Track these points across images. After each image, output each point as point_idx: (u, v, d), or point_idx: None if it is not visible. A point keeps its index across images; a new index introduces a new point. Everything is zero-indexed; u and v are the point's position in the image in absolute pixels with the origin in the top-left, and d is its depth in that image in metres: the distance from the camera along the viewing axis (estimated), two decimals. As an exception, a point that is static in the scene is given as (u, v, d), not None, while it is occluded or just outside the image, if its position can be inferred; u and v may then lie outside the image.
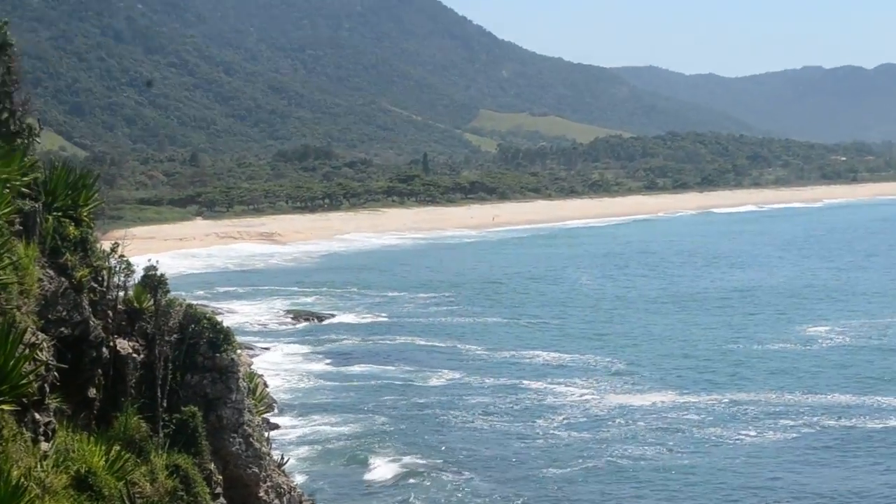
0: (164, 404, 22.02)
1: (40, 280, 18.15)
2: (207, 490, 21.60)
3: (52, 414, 17.18)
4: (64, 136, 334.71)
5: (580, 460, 51.86)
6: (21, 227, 18.48)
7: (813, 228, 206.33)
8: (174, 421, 22.17)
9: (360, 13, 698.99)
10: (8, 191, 17.49)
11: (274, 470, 26.21)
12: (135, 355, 21.64)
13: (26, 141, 20.00)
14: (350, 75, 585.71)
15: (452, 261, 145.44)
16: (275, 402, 56.19)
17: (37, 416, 16.31)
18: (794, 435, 56.29)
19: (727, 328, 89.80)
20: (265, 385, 48.90)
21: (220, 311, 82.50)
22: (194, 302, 26.78)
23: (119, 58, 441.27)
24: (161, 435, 21.36)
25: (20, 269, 17.24)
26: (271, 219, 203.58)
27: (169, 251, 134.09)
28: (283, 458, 28.78)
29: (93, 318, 19.80)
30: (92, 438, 18.40)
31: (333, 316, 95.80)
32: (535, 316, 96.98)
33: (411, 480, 49.20)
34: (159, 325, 22.45)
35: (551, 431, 57.26)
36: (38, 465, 15.52)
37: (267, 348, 79.56)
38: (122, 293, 21.95)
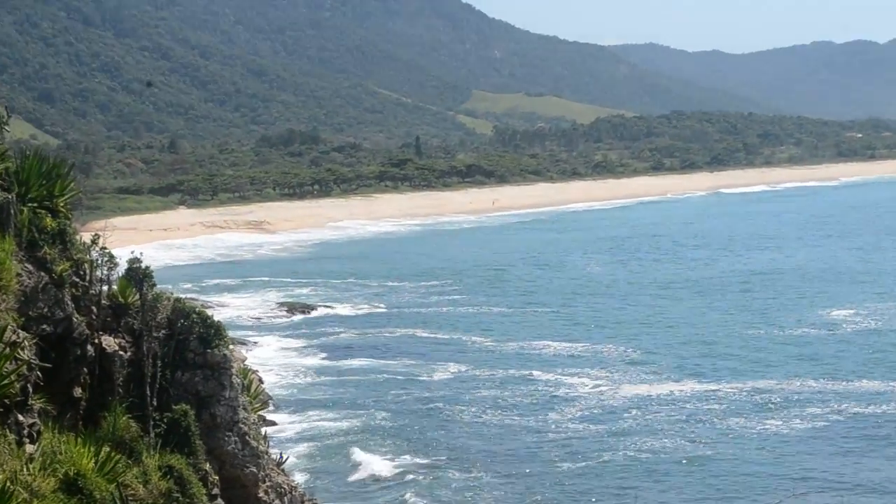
0: (154, 403, 21.79)
1: (18, 275, 17.91)
2: (204, 491, 21.43)
3: (36, 415, 16.91)
4: (34, 124, 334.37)
5: (596, 454, 51.58)
6: (-7, 221, 18.13)
7: (831, 208, 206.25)
8: (165, 420, 21.99)
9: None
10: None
11: (273, 469, 26.03)
12: (121, 352, 21.36)
13: (-6, 130, 19.67)
14: (333, 57, 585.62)
15: (452, 248, 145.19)
16: (270, 398, 55.87)
17: (20, 417, 16.04)
18: (822, 423, 56.07)
19: (746, 313, 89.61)
20: (260, 381, 48.49)
21: (209, 304, 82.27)
22: (182, 295, 26.36)
23: (88, 42, 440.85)
24: (152, 435, 21.17)
25: None
26: (259, 206, 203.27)
27: (152, 242, 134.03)
28: (282, 457, 28.56)
29: (76, 315, 19.54)
30: (80, 440, 18.18)
31: (330, 308, 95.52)
32: (543, 304, 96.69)
33: (416, 478, 48.95)
34: (146, 320, 22.17)
35: (564, 425, 56.99)
36: (24, 469, 15.25)
37: (260, 343, 79.21)
38: (105, 287, 21.69)
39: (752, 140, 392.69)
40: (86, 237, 21.23)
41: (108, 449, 18.42)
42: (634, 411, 59.21)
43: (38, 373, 17.07)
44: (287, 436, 54.19)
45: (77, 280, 20.19)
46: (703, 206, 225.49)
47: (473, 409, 60.36)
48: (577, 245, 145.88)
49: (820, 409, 58.70)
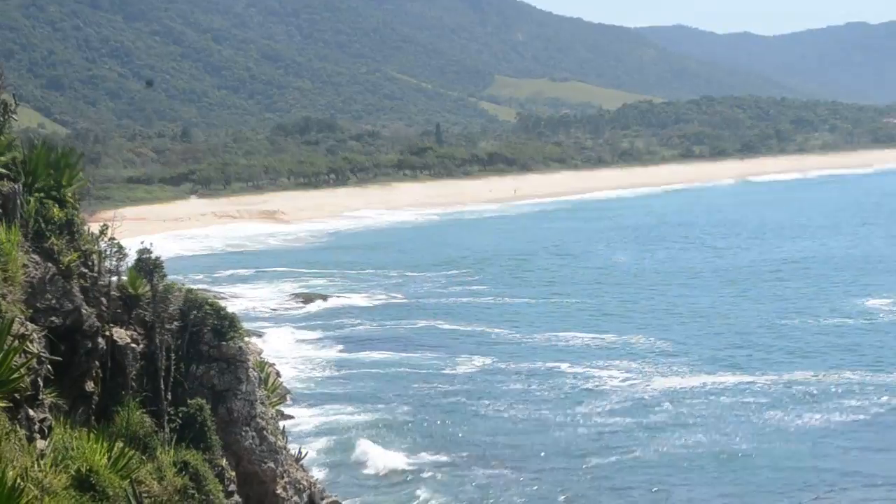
0: (169, 397, 21.82)
1: (25, 266, 17.96)
2: (220, 487, 21.49)
3: (47, 410, 16.92)
4: (42, 113, 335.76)
5: (626, 449, 51.32)
6: (1, 210, 18.15)
7: (865, 195, 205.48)
8: (180, 415, 22.07)
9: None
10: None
11: (291, 465, 26.08)
12: (133, 345, 21.36)
13: (1, 118, 19.76)
14: (350, 41, 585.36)
15: (473, 237, 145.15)
16: (289, 392, 55.85)
17: (31, 412, 16.03)
18: (862, 416, 55.72)
19: (780, 302, 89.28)
20: (278, 374, 48.45)
21: (222, 295, 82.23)
22: (194, 287, 26.32)
23: (97, 26, 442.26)
24: (167, 430, 21.25)
25: (2, 254, 17.21)
26: (273, 196, 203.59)
27: (163, 232, 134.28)
28: (300, 452, 28.55)
29: (85, 306, 19.54)
30: (92, 435, 18.22)
31: (347, 298, 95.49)
32: (568, 294, 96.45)
33: (438, 475, 48.71)
34: (158, 311, 22.19)
35: (593, 419, 56.72)
36: (35, 465, 15.24)
37: (276, 335, 79.19)
38: (114, 279, 21.69)
39: (785, 126, 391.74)
40: (94, 228, 21.25)
41: (121, 444, 18.52)
42: (666, 404, 58.92)
43: (49, 366, 17.07)
44: (304, 430, 54.11)
45: (85, 271, 20.25)
46: (733, 194, 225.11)
47: (498, 404, 60.15)
48: (602, 234, 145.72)
49: (859, 401, 58.32)
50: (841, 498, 44.95)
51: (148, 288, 22.23)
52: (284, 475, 24.78)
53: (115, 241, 21.52)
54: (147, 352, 21.82)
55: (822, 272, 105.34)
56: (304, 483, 26.21)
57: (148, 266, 22.48)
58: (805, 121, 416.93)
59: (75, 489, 16.11)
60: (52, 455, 16.17)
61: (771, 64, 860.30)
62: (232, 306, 41.20)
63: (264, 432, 24.33)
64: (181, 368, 22.94)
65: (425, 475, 48.71)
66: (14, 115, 20.21)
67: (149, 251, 22.69)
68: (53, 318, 18.54)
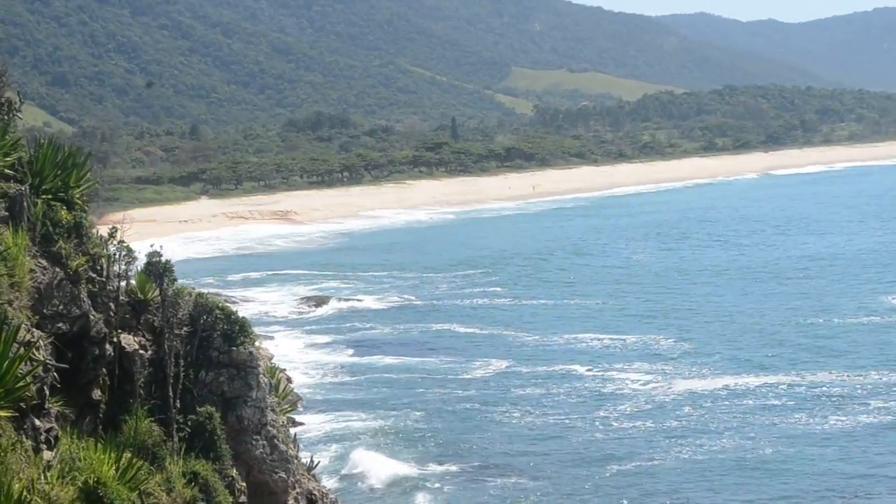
0: (178, 405, 21.88)
1: (32, 271, 17.92)
2: (230, 499, 21.52)
3: (53, 419, 16.94)
4: (48, 111, 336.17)
5: (647, 455, 51.37)
6: (7, 213, 18.19)
7: (894, 189, 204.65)
8: (189, 423, 22.06)
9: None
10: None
11: (303, 474, 26.04)
12: (142, 351, 21.42)
13: (6, 117, 19.73)
14: (364, 33, 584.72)
15: (490, 236, 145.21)
16: (300, 398, 55.95)
17: (37, 422, 16.05)
18: (890, 418, 55.66)
19: (805, 301, 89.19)
20: (289, 380, 48.59)
21: (233, 299, 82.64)
22: (204, 290, 26.45)
23: (104, 21, 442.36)
24: (176, 439, 21.24)
25: (9, 259, 17.05)
26: (285, 196, 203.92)
27: (173, 235, 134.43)
28: (312, 461, 28.55)
29: (93, 312, 19.55)
30: (99, 445, 18.18)
31: (360, 301, 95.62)
32: (588, 295, 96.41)
33: (454, 482, 48.90)
34: (167, 317, 22.24)
35: (612, 424, 56.78)
36: (42, 477, 15.26)
37: (287, 339, 79.37)
38: (123, 283, 21.75)
39: (810, 116, 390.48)
40: (103, 230, 21.25)
41: (129, 455, 18.40)
42: (688, 408, 58.96)
43: (55, 374, 17.09)
44: (316, 437, 54.27)
45: (93, 276, 20.20)
46: (757, 188, 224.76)
47: (514, 409, 60.19)
48: (622, 232, 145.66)
49: (886, 402, 58.28)
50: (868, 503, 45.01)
51: (157, 292, 22.32)
52: (296, 485, 24.77)
53: (125, 245, 21.54)
54: (155, 358, 21.84)
55: (848, 269, 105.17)
56: (317, 493, 26.24)
57: (158, 270, 22.53)
58: (831, 110, 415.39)
59: (83, 502, 16.06)
60: (58, 466, 16.13)
61: (796, 51, 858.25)
62: (243, 310, 41.43)
63: (275, 441, 24.33)
64: (190, 375, 22.92)
65: (434, 485, 48.80)
66: (19, 114, 20.14)
67: (159, 254, 22.70)
68: (60, 325, 18.50)
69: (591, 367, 68.63)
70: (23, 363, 14.68)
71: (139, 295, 22.09)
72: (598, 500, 46.31)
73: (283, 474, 24.11)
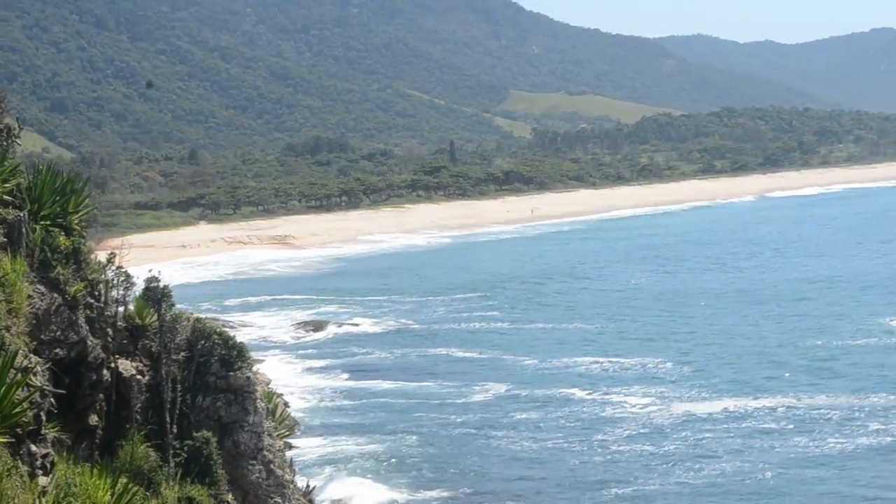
0: (174, 430, 21.87)
1: (30, 297, 17.94)
2: (226, 524, 21.43)
3: (50, 445, 16.88)
4: (46, 137, 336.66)
5: (645, 480, 51.31)
6: (5, 239, 18.24)
7: (891, 209, 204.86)
8: (186, 448, 22.04)
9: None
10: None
11: (299, 499, 26.02)
12: (139, 377, 21.46)
13: (5, 143, 19.73)
14: (362, 57, 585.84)
15: (488, 260, 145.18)
16: (297, 423, 55.97)
17: (33, 447, 16.01)
18: (889, 440, 55.63)
19: (804, 323, 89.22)
20: (286, 405, 48.62)
21: (231, 324, 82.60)
22: (202, 315, 26.47)
23: (102, 47, 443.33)
24: (172, 464, 21.22)
25: (7, 285, 17.04)
26: (284, 220, 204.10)
27: (171, 260, 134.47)
28: (308, 486, 28.57)
29: (90, 337, 19.58)
30: (95, 471, 18.14)
31: (358, 325, 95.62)
32: (587, 318, 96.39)
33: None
34: (165, 342, 22.27)
35: (610, 448, 56.73)
36: (37, 503, 15.23)
37: (284, 364, 79.36)
38: (121, 308, 21.78)
39: (809, 138, 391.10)
40: (101, 256, 21.30)
41: (125, 480, 18.34)
42: (686, 432, 58.89)
43: (52, 400, 17.09)
44: (311, 460, 54.18)
45: (92, 301, 20.24)
46: (754, 210, 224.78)
47: (511, 434, 60.13)
48: (620, 255, 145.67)
49: (885, 424, 58.28)
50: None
51: (155, 318, 22.39)
52: (292, 510, 24.83)
53: (123, 270, 21.62)
54: (153, 383, 21.89)
55: (847, 292, 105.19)
56: (313, 518, 26.28)
57: (156, 295, 22.59)
58: (829, 132, 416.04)
59: (78, 528, 16.22)
60: (54, 492, 16.03)
61: (794, 73, 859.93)
62: (241, 335, 41.40)
63: (272, 466, 24.35)
64: (187, 400, 22.94)
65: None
66: (18, 140, 20.18)
67: (157, 279, 22.76)
68: (58, 350, 18.53)
69: (589, 391, 68.59)
70: (20, 389, 14.69)
71: (137, 320, 22.14)
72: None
73: (278, 499, 24.11)
